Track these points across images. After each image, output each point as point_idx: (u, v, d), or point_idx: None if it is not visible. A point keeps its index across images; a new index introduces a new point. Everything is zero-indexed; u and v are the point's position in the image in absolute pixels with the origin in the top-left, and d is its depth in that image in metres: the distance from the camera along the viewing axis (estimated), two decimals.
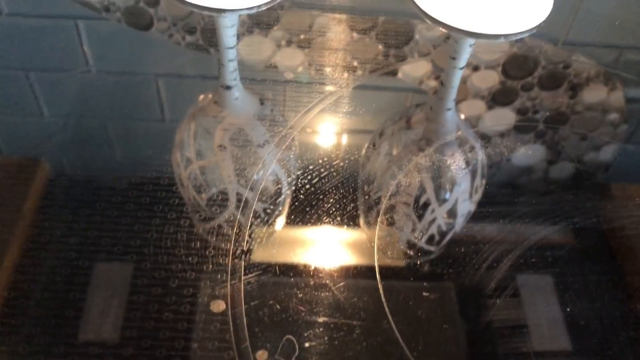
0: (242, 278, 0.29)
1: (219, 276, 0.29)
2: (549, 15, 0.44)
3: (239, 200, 0.32)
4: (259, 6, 0.39)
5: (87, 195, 0.32)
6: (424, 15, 0.39)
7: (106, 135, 0.36)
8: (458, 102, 0.39)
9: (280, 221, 0.32)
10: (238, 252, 0.30)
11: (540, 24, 0.39)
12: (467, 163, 0.35)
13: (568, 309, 0.30)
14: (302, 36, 0.41)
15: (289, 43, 0.41)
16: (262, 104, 0.37)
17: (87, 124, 0.36)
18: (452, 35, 0.38)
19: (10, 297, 0.28)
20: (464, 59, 0.38)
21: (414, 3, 0.40)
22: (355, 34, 0.42)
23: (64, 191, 0.33)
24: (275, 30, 0.41)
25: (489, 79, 0.40)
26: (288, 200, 0.33)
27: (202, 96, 0.37)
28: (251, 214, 0.32)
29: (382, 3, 0.44)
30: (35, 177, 0.33)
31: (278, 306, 0.29)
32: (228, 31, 0.38)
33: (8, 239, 0.31)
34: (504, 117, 0.39)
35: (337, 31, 0.42)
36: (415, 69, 0.40)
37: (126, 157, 0.36)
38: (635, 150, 0.39)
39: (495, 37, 0.38)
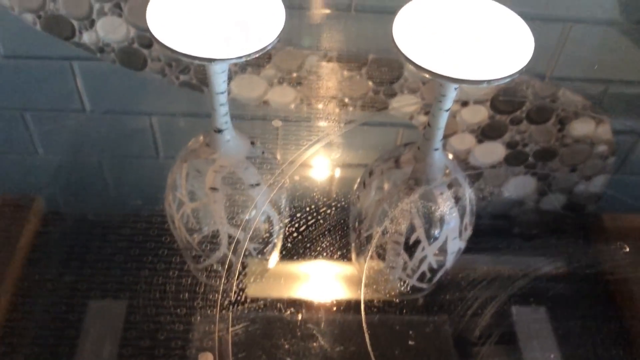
0: (230, 330, 0.29)
1: (206, 327, 0.29)
2: (535, 51, 0.45)
3: (230, 242, 0.33)
4: (249, 55, 0.40)
5: (81, 234, 0.33)
6: (407, 62, 0.40)
7: (101, 173, 0.37)
8: (449, 136, 0.39)
9: (271, 263, 0.32)
10: (226, 302, 0.30)
11: (522, 68, 0.40)
12: (456, 201, 0.36)
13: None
14: (293, 74, 0.42)
15: (281, 81, 0.42)
16: (252, 144, 0.38)
17: (81, 162, 0.37)
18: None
19: (3, 334, 0.28)
20: (449, 101, 0.39)
21: (398, 49, 0.41)
22: (345, 72, 0.43)
23: (58, 229, 0.33)
24: (267, 68, 0.42)
25: (478, 114, 0.41)
26: (279, 241, 0.33)
27: (193, 139, 0.38)
28: (240, 259, 0.32)
29: (371, 42, 0.44)
30: (30, 215, 0.34)
31: (265, 357, 0.29)
32: (219, 77, 0.39)
33: (2, 276, 0.31)
34: (494, 151, 0.39)
35: (327, 69, 0.43)
36: (405, 105, 0.41)
37: (120, 195, 0.36)
38: (624, 181, 0.39)
39: (478, 82, 0.39)
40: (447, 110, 0.39)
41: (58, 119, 0.39)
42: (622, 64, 0.46)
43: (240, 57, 0.39)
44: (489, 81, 0.39)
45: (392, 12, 0.47)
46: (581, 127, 0.41)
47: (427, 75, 0.39)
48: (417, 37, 0.41)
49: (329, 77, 0.42)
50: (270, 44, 0.41)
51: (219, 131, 0.38)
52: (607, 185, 0.39)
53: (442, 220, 0.35)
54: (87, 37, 0.44)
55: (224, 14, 0.40)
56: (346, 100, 0.41)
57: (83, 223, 0.34)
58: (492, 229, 0.36)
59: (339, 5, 0.48)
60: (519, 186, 0.38)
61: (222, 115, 0.38)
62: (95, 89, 0.41)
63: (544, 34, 0.47)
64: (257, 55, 0.40)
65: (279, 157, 0.37)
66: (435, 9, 0.42)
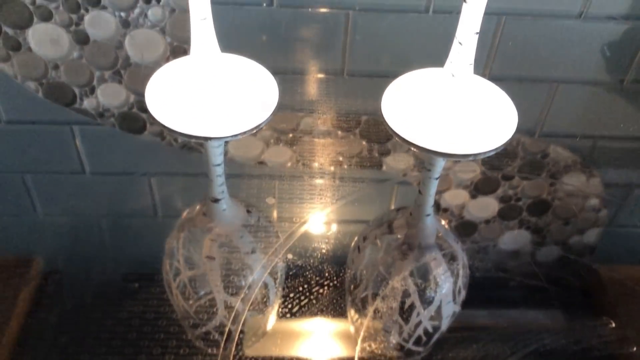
0: None
1: None
2: (525, 109, 0.46)
3: (227, 309, 0.33)
4: (244, 132, 0.41)
5: (79, 297, 0.33)
6: (395, 136, 0.42)
7: (100, 234, 0.37)
8: (443, 191, 0.40)
9: (268, 329, 0.32)
10: None
11: (507, 142, 0.42)
12: (449, 265, 0.36)
13: None
14: (289, 135, 0.43)
15: (277, 142, 0.42)
16: (249, 212, 0.38)
17: (80, 223, 0.37)
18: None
19: None
20: (438, 170, 0.41)
21: (387, 124, 0.42)
22: (340, 132, 0.44)
23: (57, 289, 0.33)
24: (264, 130, 0.43)
25: (470, 170, 0.41)
26: (276, 307, 0.33)
27: (190, 208, 0.38)
28: (239, 326, 0.32)
29: (364, 104, 0.46)
30: (28, 276, 0.34)
31: None
32: (215, 151, 0.41)
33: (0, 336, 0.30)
34: (487, 206, 0.40)
35: (322, 130, 0.44)
36: (399, 162, 0.42)
37: (119, 256, 0.36)
38: (617, 233, 0.39)
39: (465, 156, 0.41)
40: (436, 179, 0.40)
41: (58, 180, 0.40)
42: (609, 120, 0.47)
43: (236, 135, 0.41)
44: (475, 155, 0.41)
45: (383, 75, 0.48)
46: (572, 182, 0.42)
47: (414, 150, 0.41)
48: (405, 111, 0.43)
49: (324, 137, 0.43)
50: (264, 121, 0.42)
51: (216, 201, 0.38)
52: (601, 238, 0.39)
53: (435, 285, 0.35)
54: (87, 103, 0.45)
55: (219, 90, 0.42)
56: (341, 158, 0.42)
57: (82, 285, 0.34)
58: (487, 283, 0.36)
59: (332, 71, 0.50)
60: (513, 240, 0.38)
61: (219, 185, 0.39)
62: (95, 152, 0.42)
63: (532, 94, 0.49)
64: (252, 132, 0.42)
65: (275, 223, 0.38)
66: (422, 84, 0.44)
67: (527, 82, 0.51)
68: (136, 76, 0.47)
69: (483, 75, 0.48)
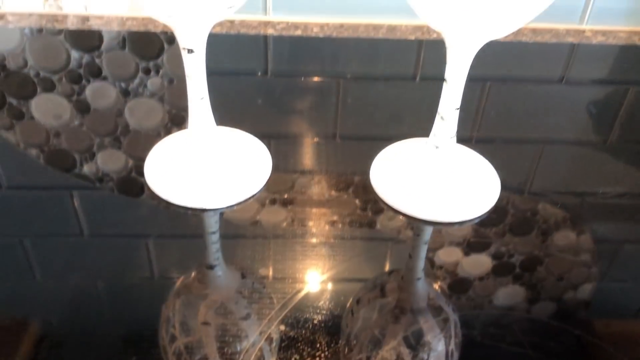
0: None
1: None
2: (513, 169, 0.47)
3: None
4: (238, 203, 0.43)
5: (75, 358, 0.32)
6: (382, 203, 0.43)
7: (97, 296, 0.37)
8: (436, 249, 0.40)
9: None
10: None
11: (491, 209, 0.43)
12: (441, 328, 0.36)
13: None
14: (284, 195, 0.44)
15: (272, 202, 0.43)
16: (243, 277, 0.38)
17: (78, 286, 0.37)
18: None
19: None
20: (427, 235, 0.42)
21: (375, 192, 0.44)
22: (333, 193, 0.44)
23: (53, 353, 0.33)
24: (256, 194, 0.44)
25: (465, 232, 0.42)
26: None
27: (185, 275, 0.38)
28: None
29: (357, 166, 0.47)
30: (25, 339, 0.33)
31: None
32: (210, 220, 0.42)
33: None
34: (481, 263, 0.40)
35: (316, 190, 0.45)
36: (392, 224, 0.42)
37: (115, 321, 0.36)
38: (610, 288, 0.40)
39: (451, 224, 0.42)
40: (425, 243, 0.41)
41: (55, 244, 0.40)
42: (595, 177, 0.48)
43: (231, 206, 0.42)
44: (460, 222, 0.42)
45: (373, 139, 0.50)
46: (563, 238, 0.42)
47: (402, 217, 0.42)
48: (393, 180, 0.44)
49: (318, 197, 0.44)
50: (257, 192, 0.44)
51: (211, 267, 0.39)
52: (594, 293, 0.39)
53: (428, 348, 0.35)
54: (87, 168, 0.46)
55: (215, 163, 0.44)
56: (335, 218, 0.42)
57: (78, 349, 0.33)
58: (482, 341, 0.36)
59: (325, 134, 0.51)
60: (508, 297, 0.38)
61: (214, 252, 0.39)
62: (93, 215, 0.42)
63: (520, 154, 0.50)
64: (246, 202, 0.43)
65: (270, 287, 0.38)
66: (408, 154, 0.46)
67: (514, 142, 0.52)
68: (135, 142, 0.49)
69: (470, 137, 0.49)
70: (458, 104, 0.40)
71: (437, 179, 0.43)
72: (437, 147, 0.42)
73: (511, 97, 0.58)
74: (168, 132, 0.49)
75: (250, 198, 0.43)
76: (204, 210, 0.42)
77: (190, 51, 0.39)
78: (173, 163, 0.44)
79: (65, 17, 0.64)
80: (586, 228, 0.43)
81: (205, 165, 0.43)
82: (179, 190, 0.42)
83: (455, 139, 0.42)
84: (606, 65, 0.64)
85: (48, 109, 0.53)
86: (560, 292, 0.38)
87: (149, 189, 0.44)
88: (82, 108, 0.52)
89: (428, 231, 0.42)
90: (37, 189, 0.44)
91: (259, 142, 0.47)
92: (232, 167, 0.44)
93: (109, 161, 0.47)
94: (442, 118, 0.41)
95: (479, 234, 0.42)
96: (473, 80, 0.54)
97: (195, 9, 0.35)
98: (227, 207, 0.42)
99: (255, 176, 0.44)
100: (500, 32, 0.36)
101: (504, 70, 0.61)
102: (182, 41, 0.38)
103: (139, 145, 0.48)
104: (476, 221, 0.42)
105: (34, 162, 0.47)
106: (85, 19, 0.64)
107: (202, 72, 0.40)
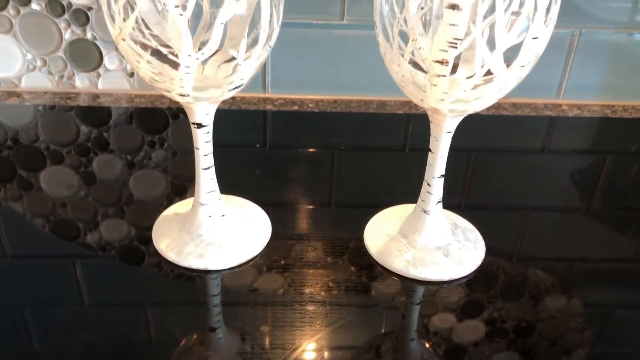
0: None
1: None
2: (502, 235, 0.46)
3: None
4: (240, 265, 0.42)
5: None
6: (376, 265, 0.42)
7: None
8: (430, 315, 0.38)
9: None
10: None
11: (477, 268, 0.42)
12: None
13: None
14: (281, 262, 0.42)
15: (270, 269, 0.41)
16: (243, 339, 0.36)
17: (77, 357, 0.35)
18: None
19: None
20: (418, 296, 0.40)
21: (369, 254, 0.43)
22: (329, 259, 0.42)
23: None
24: (257, 259, 0.42)
25: (456, 294, 0.40)
26: None
27: (187, 338, 0.36)
28: None
29: (351, 231, 0.45)
30: None
31: None
32: (213, 282, 0.40)
33: None
34: (474, 329, 0.38)
35: (312, 256, 0.43)
36: (386, 287, 0.40)
37: None
38: (603, 354, 0.37)
39: (440, 283, 0.41)
40: (418, 304, 0.40)
41: (56, 312, 0.38)
42: (583, 243, 0.46)
43: (233, 268, 0.41)
44: (448, 282, 0.41)
45: (367, 206, 0.48)
46: (554, 303, 0.40)
47: (395, 278, 0.41)
48: (385, 243, 0.43)
49: (314, 264, 0.42)
50: (258, 254, 0.43)
51: (212, 330, 0.37)
52: (588, 358, 0.37)
53: None
54: (90, 238, 0.44)
55: (219, 228, 0.43)
56: (331, 284, 0.40)
57: None
58: None
59: (320, 202, 0.50)
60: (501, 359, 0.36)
61: (215, 314, 0.38)
62: (95, 284, 0.40)
63: (507, 220, 0.49)
64: (247, 264, 0.41)
65: (268, 350, 0.36)
66: (399, 218, 0.45)
67: (501, 209, 0.51)
68: (138, 212, 0.47)
69: (459, 204, 0.48)
70: (442, 172, 0.40)
71: (426, 241, 0.42)
72: (424, 211, 0.41)
73: (496, 166, 0.57)
74: (170, 201, 0.47)
75: (251, 260, 0.42)
76: (207, 272, 0.40)
77: (199, 125, 0.39)
78: (180, 226, 0.43)
79: (77, 94, 0.64)
80: (574, 292, 0.41)
81: (210, 229, 0.42)
82: (184, 252, 0.41)
83: (441, 204, 0.41)
84: (583, 136, 0.64)
85: (56, 180, 0.51)
86: (552, 357, 0.36)
87: (153, 253, 0.42)
88: (89, 179, 0.51)
89: (420, 291, 0.40)
90: (41, 258, 0.42)
91: (258, 208, 0.47)
92: (236, 231, 0.43)
93: (112, 230, 0.45)
94: (428, 185, 0.41)
95: (470, 297, 0.40)
96: (460, 151, 0.53)
97: (207, 92, 0.37)
98: (230, 269, 0.41)
99: (256, 240, 0.43)
100: (474, 109, 0.36)
101: (488, 142, 0.61)
102: (192, 116, 0.39)
103: (142, 214, 0.46)
104: (464, 280, 0.41)
105: (39, 231, 0.45)
106: (96, 96, 0.64)
107: (209, 144, 0.40)
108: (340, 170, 0.55)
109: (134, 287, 0.40)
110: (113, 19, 0.34)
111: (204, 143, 0.40)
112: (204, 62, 0.36)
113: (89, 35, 0.61)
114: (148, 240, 0.43)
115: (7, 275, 0.41)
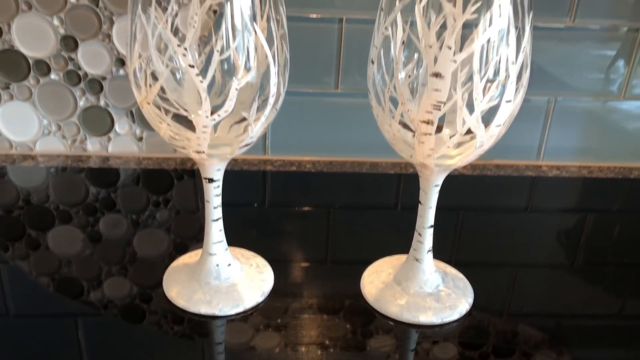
0: None
1: None
2: (490, 291, 0.44)
3: None
4: (246, 310, 0.40)
5: None
6: (373, 311, 0.41)
7: None
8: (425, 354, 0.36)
9: None
10: None
11: (466, 313, 0.41)
12: None
13: None
14: (278, 320, 0.40)
15: (267, 327, 0.39)
16: None
17: None
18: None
19: None
20: (413, 344, 0.39)
21: (365, 298, 0.42)
22: (325, 316, 0.40)
23: None
24: (253, 316, 0.40)
25: (449, 350, 0.38)
26: None
27: None
28: None
29: (346, 289, 0.43)
30: None
31: None
32: (217, 330, 0.39)
33: None
34: None
35: (309, 314, 0.41)
36: (381, 345, 0.38)
37: None
38: None
39: (434, 326, 0.40)
40: (412, 350, 0.38)
41: None
42: (571, 299, 0.45)
43: (239, 314, 0.40)
44: (440, 325, 0.40)
45: (361, 262, 0.47)
46: (541, 354, 0.38)
47: (390, 322, 0.40)
48: (380, 289, 0.42)
49: (311, 322, 0.40)
50: (264, 300, 0.42)
51: None
52: None
53: None
54: (93, 296, 0.42)
55: (226, 277, 0.42)
56: (327, 342, 0.38)
57: None
58: None
59: (316, 259, 0.48)
60: None
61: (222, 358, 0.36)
62: (95, 342, 0.38)
63: (496, 277, 0.47)
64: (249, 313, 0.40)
65: None
66: (393, 267, 0.44)
67: (490, 266, 0.49)
68: (140, 270, 0.45)
69: (449, 261, 0.46)
70: (432, 223, 0.40)
71: (419, 287, 0.42)
72: (416, 260, 0.41)
73: (483, 223, 0.55)
74: (172, 259, 0.45)
75: (257, 306, 0.41)
76: (215, 317, 0.39)
77: (210, 180, 0.39)
78: (189, 275, 0.43)
79: (88, 157, 0.63)
80: (562, 347, 0.39)
81: (218, 278, 0.42)
82: (193, 299, 0.41)
83: (431, 253, 0.41)
84: (563, 194, 0.63)
85: (63, 239, 0.49)
86: None
87: (153, 307, 0.40)
88: (95, 238, 0.49)
89: (413, 338, 0.40)
90: (43, 317, 0.40)
91: (261, 258, 0.46)
92: (241, 279, 0.43)
93: (115, 289, 0.43)
94: (419, 234, 0.40)
95: (461, 339, 0.38)
96: (449, 210, 0.52)
97: (219, 149, 0.37)
98: (237, 314, 0.40)
99: (261, 287, 0.43)
100: (459, 164, 0.37)
101: (475, 201, 0.60)
102: (205, 172, 0.39)
103: (144, 273, 0.45)
104: (455, 324, 0.40)
105: (43, 290, 0.43)
106: (106, 159, 0.63)
107: (219, 198, 0.40)
108: (335, 227, 0.54)
109: (133, 345, 0.38)
110: (138, 86, 0.35)
111: (214, 196, 0.40)
112: (216, 124, 0.36)
113: (102, 103, 0.61)
114: (149, 299, 0.41)
115: (8, 335, 0.38)
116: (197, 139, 0.35)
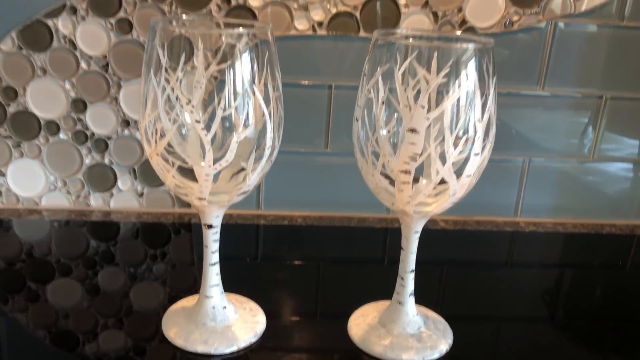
0: None
1: None
2: (476, 345, 0.46)
3: None
4: (239, 350, 0.43)
5: None
6: (360, 351, 0.43)
7: None
8: None
9: None
10: None
11: (445, 353, 0.44)
12: None
13: None
14: (279, 346, 0.42)
15: (271, 351, 0.41)
16: None
17: None
18: None
19: None
20: None
21: (352, 340, 0.44)
22: (315, 355, 0.42)
23: None
24: (247, 355, 0.42)
25: None
26: None
27: None
28: None
29: (336, 343, 0.45)
30: None
31: None
32: None
33: None
34: None
35: (300, 354, 0.43)
36: None
37: None
38: None
39: None
40: None
41: None
42: (548, 352, 0.47)
43: (233, 353, 0.43)
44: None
45: (350, 307, 0.49)
46: None
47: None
48: (367, 330, 0.45)
49: (305, 350, 0.42)
50: (256, 340, 0.44)
51: None
52: None
53: None
54: (88, 349, 0.43)
55: (222, 320, 0.45)
56: None
57: None
58: None
59: (306, 313, 0.50)
60: None
61: None
62: None
63: (481, 330, 0.49)
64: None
65: None
66: (378, 310, 0.47)
67: (475, 319, 0.51)
68: (135, 323, 0.47)
69: (440, 315, 0.49)
70: (413, 267, 0.43)
71: (402, 329, 0.44)
72: (400, 303, 0.44)
73: (468, 277, 0.58)
74: (165, 310, 0.47)
75: (250, 346, 0.44)
76: (210, 356, 0.42)
77: (209, 226, 0.42)
78: (187, 317, 0.45)
79: (91, 212, 0.66)
80: None
81: (214, 319, 0.44)
82: (190, 338, 0.43)
83: (413, 296, 0.44)
84: (540, 249, 0.66)
85: (62, 292, 0.51)
86: None
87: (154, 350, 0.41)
88: (93, 291, 0.51)
89: None
90: None
91: (254, 302, 0.48)
92: (235, 321, 0.45)
93: (109, 342, 0.44)
94: (402, 279, 0.43)
95: None
96: (434, 263, 0.55)
97: (219, 197, 0.41)
98: (231, 353, 0.42)
99: (253, 328, 0.45)
100: (435, 211, 0.40)
101: (457, 255, 0.63)
102: (204, 218, 0.42)
103: (139, 325, 0.46)
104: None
105: (39, 343, 0.44)
106: (108, 213, 0.66)
107: (217, 243, 0.43)
108: (324, 281, 0.56)
109: None
110: (149, 140, 0.39)
111: (212, 242, 0.43)
112: (216, 175, 0.40)
113: (106, 160, 0.65)
114: (143, 350, 0.43)
115: None
116: (199, 187, 0.38)
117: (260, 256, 0.60)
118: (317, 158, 0.66)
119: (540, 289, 0.57)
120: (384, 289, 0.53)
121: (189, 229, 0.63)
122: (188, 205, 0.67)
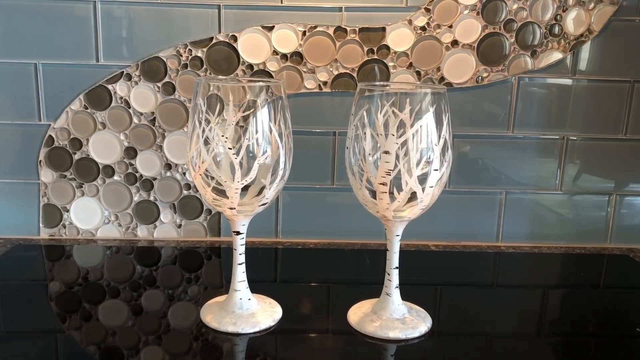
0: None
1: None
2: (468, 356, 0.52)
3: None
4: (262, 330, 0.53)
5: None
6: (356, 332, 0.53)
7: None
8: None
9: None
10: None
11: (425, 333, 0.52)
12: None
13: None
14: (287, 337, 0.52)
15: (285, 334, 0.52)
16: None
17: None
18: None
19: None
20: (390, 352, 0.52)
21: (350, 323, 0.54)
22: (321, 335, 0.53)
23: None
24: (266, 335, 0.52)
25: (411, 351, 0.50)
26: None
27: None
28: None
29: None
30: None
31: None
32: (238, 347, 0.52)
33: None
34: None
35: (310, 334, 0.53)
36: (362, 345, 0.50)
37: None
38: None
39: (398, 341, 0.51)
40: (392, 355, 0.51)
41: None
42: None
43: (256, 332, 0.53)
44: (405, 340, 0.52)
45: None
46: None
47: (368, 340, 0.52)
48: (362, 316, 0.54)
49: (311, 339, 0.52)
50: (273, 325, 0.54)
51: None
52: None
53: None
54: None
55: (245, 307, 0.55)
56: (322, 353, 0.50)
57: None
58: None
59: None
60: None
61: None
62: None
63: (472, 346, 0.54)
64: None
65: None
66: (372, 304, 0.56)
67: (467, 336, 0.55)
68: (173, 340, 0.52)
69: (432, 332, 0.54)
70: (397, 264, 0.54)
71: (389, 314, 0.54)
72: (387, 294, 0.54)
73: (460, 297, 0.63)
74: (199, 328, 0.54)
75: (269, 328, 0.53)
76: (238, 335, 0.52)
77: (237, 233, 0.54)
78: (220, 307, 0.55)
79: (137, 241, 0.78)
80: None
81: (241, 307, 0.54)
82: (223, 321, 0.53)
83: (399, 289, 0.54)
84: (519, 268, 0.74)
85: (111, 312, 0.57)
86: None
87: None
88: (137, 311, 0.57)
89: (386, 347, 0.51)
90: None
91: (272, 300, 0.58)
92: (258, 309, 0.55)
93: (150, 358, 0.49)
94: (388, 274, 0.54)
95: (422, 354, 0.48)
96: (428, 285, 0.64)
97: (244, 207, 0.52)
98: (254, 333, 0.52)
99: (272, 315, 0.55)
100: (410, 216, 0.50)
101: (449, 277, 0.69)
102: (234, 227, 0.54)
103: (176, 342, 0.52)
104: (416, 340, 0.51)
105: (90, 358, 0.49)
106: (152, 242, 0.78)
107: (243, 247, 0.54)
108: (335, 299, 0.63)
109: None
110: (193, 165, 0.52)
111: (239, 245, 0.54)
112: (243, 192, 0.52)
113: (151, 198, 0.77)
114: None
115: None
116: (230, 199, 0.51)
117: (279, 275, 0.70)
118: (325, 193, 0.78)
119: (520, 305, 0.62)
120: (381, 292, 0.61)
121: (218, 255, 0.73)
122: (218, 234, 0.78)
